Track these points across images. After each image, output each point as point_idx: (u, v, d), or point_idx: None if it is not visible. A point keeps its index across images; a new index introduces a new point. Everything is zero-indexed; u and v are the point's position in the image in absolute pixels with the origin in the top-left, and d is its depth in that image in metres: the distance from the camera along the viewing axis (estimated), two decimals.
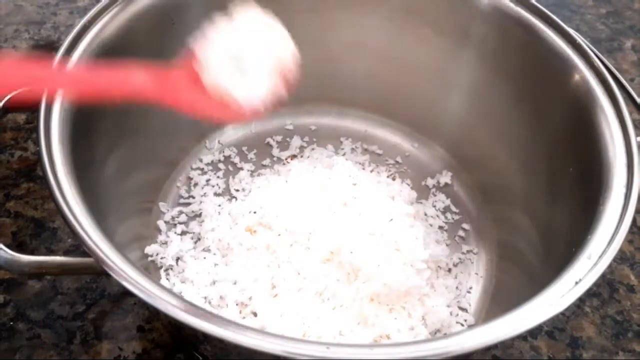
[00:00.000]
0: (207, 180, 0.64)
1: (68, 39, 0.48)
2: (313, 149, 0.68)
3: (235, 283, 0.53)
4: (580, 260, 0.40)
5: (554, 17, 0.55)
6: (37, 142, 0.42)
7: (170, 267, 0.56)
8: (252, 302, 0.52)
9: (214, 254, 0.56)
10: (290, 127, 0.70)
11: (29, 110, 0.47)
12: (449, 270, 0.58)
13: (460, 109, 0.64)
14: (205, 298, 0.53)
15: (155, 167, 0.61)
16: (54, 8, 0.80)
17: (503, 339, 0.36)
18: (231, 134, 0.68)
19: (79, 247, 0.57)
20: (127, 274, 0.36)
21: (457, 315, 0.55)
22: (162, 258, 0.56)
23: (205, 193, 0.63)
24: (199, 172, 0.65)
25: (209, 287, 0.54)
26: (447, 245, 0.60)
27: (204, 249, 0.57)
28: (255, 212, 0.57)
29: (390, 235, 0.55)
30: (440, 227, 0.62)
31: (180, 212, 0.61)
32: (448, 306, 0.55)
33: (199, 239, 0.58)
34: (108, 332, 0.52)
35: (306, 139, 0.69)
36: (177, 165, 0.64)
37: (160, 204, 0.61)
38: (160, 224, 0.59)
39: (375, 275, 0.52)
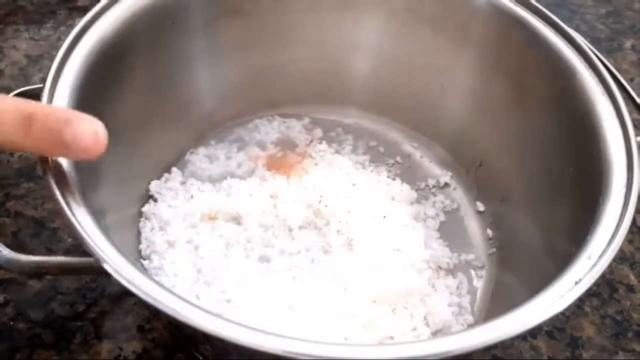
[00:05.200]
0: None
1: (68, 39, 0.48)
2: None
3: None
4: (580, 260, 0.40)
5: (554, 17, 0.55)
6: None
7: None
8: None
9: None
10: None
11: None
12: (450, 270, 0.58)
13: (460, 108, 0.64)
14: None
15: (155, 166, 0.61)
16: (54, 8, 0.80)
17: (503, 339, 0.36)
18: None
19: (79, 247, 0.57)
20: (127, 274, 0.36)
21: (458, 315, 0.55)
22: None
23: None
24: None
25: None
26: (447, 245, 0.60)
27: None
28: None
29: (391, 236, 0.55)
30: (441, 227, 0.62)
31: None
32: (449, 306, 0.55)
33: None
34: (108, 332, 0.52)
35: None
36: (176, 165, 0.64)
37: None
38: None
39: (377, 276, 0.52)
